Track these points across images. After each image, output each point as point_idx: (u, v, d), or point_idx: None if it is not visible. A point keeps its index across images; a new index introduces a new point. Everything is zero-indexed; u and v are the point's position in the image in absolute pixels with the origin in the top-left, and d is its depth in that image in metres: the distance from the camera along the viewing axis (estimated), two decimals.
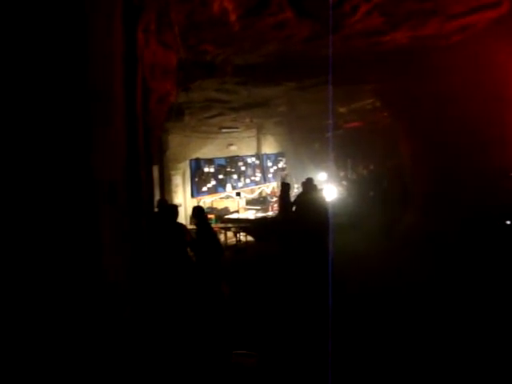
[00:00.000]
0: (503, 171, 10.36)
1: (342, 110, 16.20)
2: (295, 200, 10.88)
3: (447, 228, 9.90)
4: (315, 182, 11.16)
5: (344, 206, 14.94)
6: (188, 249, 7.76)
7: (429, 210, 11.41)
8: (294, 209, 10.72)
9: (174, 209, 7.91)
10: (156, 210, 8.14)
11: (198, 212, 8.23)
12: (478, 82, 10.18)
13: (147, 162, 5.68)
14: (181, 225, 7.96)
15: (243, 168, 16.37)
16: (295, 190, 15.32)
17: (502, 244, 7.80)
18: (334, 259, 8.64)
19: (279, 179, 17.02)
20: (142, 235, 4.76)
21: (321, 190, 11.56)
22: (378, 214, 12.93)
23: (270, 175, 18.01)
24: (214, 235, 8.26)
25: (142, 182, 4.83)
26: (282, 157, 19.11)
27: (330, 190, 15.60)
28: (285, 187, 11.88)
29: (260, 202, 15.25)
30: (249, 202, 15.48)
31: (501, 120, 10.54)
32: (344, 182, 17.78)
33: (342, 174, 19.00)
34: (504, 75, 10.85)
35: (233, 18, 6.64)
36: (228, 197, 15.35)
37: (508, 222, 7.79)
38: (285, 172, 18.25)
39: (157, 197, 11.50)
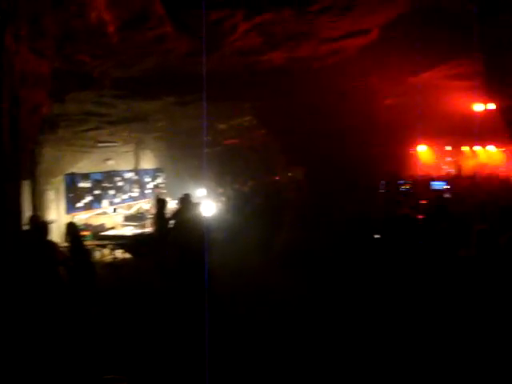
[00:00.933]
0: (372, 189, 10.99)
1: (221, 126, 16.35)
2: (172, 216, 10.76)
3: (322, 243, 10.25)
4: (194, 198, 11.10)
5: (222, 222, 14.99)
6: (61, 267, 7.37)
7: (306, 226, 11.76)
8: (170, 225, 10.60)
9: (44, 226, 7.49)
10: (27, 227, 7.67)
11: (71, 229, 7.91)
12: (355, 105, 10.75)
13: (15, 176, 5.35)
14: (51, 242, 7.55)
15: (121, 183, 15.95)
16: (174, 205, 15.15)
17: (371, 256, 8.18)
18: (211, 275, 8.59)
19: (153, 196, 16.76)
20: (7, 252, 4.45)
21: (198, 205, 11.50)
22: (256, 229, 13.11)
23: (148, 191, 17.70)
24: (86, 252, 7.97)
25: (7, 196, 4.52)
26: (161, 172, 18.88)
27: (209, 205, 15.59)
28: (160, 203, 11.72)
29: (138, 218, 14.89)
30: (126, 218, 15.05)
31: (373, 143, 11.21)
32: (223, 198, 17.88)
33: (220, 190, 19.10)
34: (375, 100, 11.58)
35: (111, 29, 6.49)
36: (105, 213, 14.85)
37: (376, 236, 8.22)
38: (158, 189, 17.96)
39: (29, 213, 10.86)
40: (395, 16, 8.24)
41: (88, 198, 14.16)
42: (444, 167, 21.83)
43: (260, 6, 6.72)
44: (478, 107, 14.34)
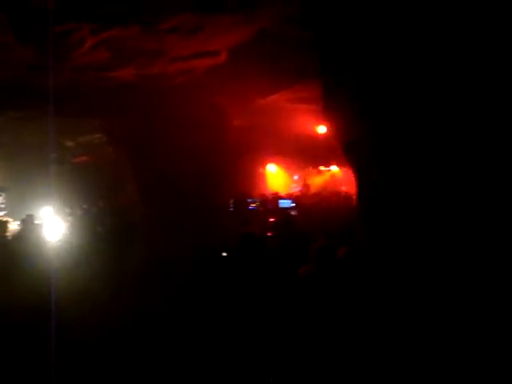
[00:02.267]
0: (222, 208, 11.19)
1: (69, 143, 15.79)
2: (13, 238, 10.14)
3: (174, 261, 10.21)
4: (38, 219, 10.57)
5: (70, 243, 14.36)
6: None
7: (157, 244, 11.64)
8: (11, 249, 9.96)
9: None
10: None
11: None
12: (204, 125, 10.91)
13: None
14: None
15: None
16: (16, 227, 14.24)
17: (219, 273, 8.31)
18: (59, 301, 8.13)
19: None
20: None
21: (43, 227, 10.99)
22: (107, 249, 12.74)
23: None
24: None
25: None
26: (2, 191, 17.68)
27: (56, 226, 14.88)
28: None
29: None
30: None
31: (221, 161, 11.43)
32: (70, 218, 17.14)
33: (68, 209, 18.29)
34: (224, 120, 11.86)
35: None
36: None
37: (224, 254, 8.39)
38: None
39: None
40: (243, 40, 8.55)
41: None
42: (293, 186, 22.80)
43: (108, 21, 6.65)
44: (322, 129, 15.19)
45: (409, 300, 4.73)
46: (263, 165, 21.30)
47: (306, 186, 21.93)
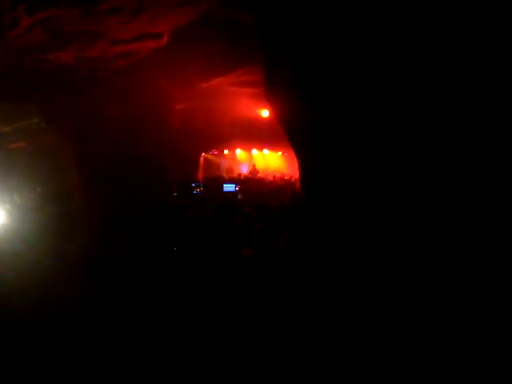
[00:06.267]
0: (165, 192, 11.04)
1: (5, 129, 15.21)
2: None
3: (118, 253, 10.01)
4: None
5: (10, 232, 13.89)
6: None
7: (101, 232, 11.41)
8: None
9: None
10: None
11: None
12: (146, 109, 10.69)
13: None
14: None
15: None
16: None
17: (170, 267, 8.22)
18: None
19: None
20: None
21: None
22: (48, 237, 12.39)
23: None
24: None
25: None
26: None
27: None
28: None
29: None
30: None
31: (165, 145, 11.25)
32: (8, 206, 16.56)
33: (6, 197, 17.67)
34: (167, 103, 11.64)
35: None
36: None
37: (175, 249, 8.31)
38: None
39: None
40: (186, 22, 8.39)
41: None
42: (238, 169, 22.81)
43: (44, 1, 6.35)
44: (265, 113, 15.20)
45: (345, 286, 4.77)
46: (207, 148, 21.20)
47: (253, 169, 21.87)
